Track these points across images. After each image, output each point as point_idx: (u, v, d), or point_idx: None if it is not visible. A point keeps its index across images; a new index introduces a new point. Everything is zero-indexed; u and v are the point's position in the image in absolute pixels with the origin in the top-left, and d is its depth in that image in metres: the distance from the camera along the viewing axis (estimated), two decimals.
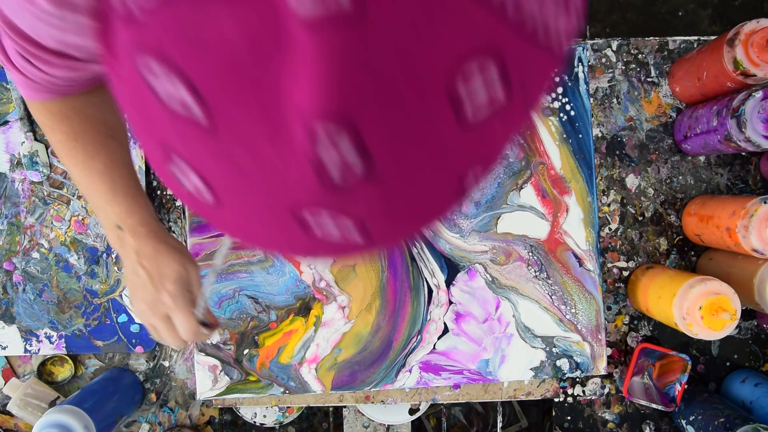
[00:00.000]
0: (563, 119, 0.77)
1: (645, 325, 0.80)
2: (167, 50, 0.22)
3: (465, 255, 0.76)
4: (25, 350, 0.78)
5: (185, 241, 0.79)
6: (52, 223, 0.78)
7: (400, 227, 0.26)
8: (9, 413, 0.78)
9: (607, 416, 0.80)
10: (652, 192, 0.80)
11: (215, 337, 0.78)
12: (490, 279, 0.76)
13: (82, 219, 0.78)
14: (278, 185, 0.23)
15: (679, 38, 0.80)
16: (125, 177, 0.54)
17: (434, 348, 0.76)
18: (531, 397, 0.79)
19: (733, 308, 0.65)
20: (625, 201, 0.80)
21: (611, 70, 0.80)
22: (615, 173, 0.80)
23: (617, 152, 0.80)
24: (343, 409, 0.86)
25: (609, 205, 0.80)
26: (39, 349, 0.78)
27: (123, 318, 0.78)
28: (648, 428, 0.79)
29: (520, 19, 0.22)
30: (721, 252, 0.76)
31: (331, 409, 0.91)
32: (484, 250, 0.77)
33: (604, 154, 0.80)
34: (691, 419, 0.73)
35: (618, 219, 0.80)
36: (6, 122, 0.79)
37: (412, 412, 0.83)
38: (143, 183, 0.77)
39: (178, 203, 0.79)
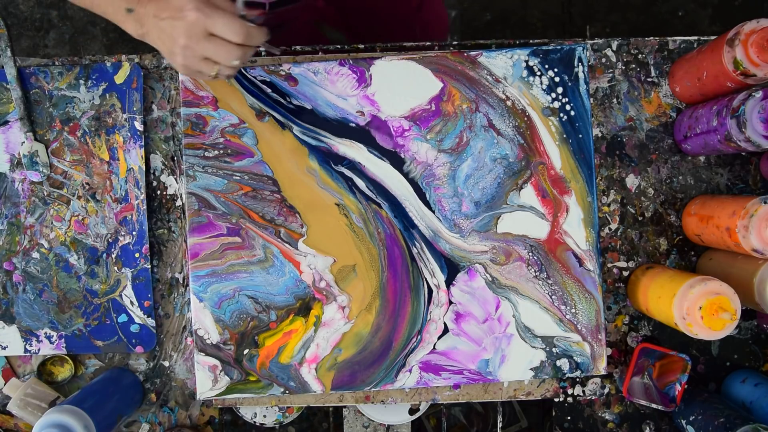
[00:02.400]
0: (563, 119, 0.77)
1: (645, 325, 0.80)
2: None
3: (465, 255, 0.76)
4: (25, 350, 0.78)
5: (185, 242, 0.79)
6: (52, 223, 0.78)
7: None
8: (9, 413, 0.78)
9: (607, 416, 0.80)
10: (652, 192, 0.80)
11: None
12: (490, 279, 0.76)
13: (82, 219, 0.78)
14: None
15: (679, 38, 0.80)
16: None
17: (434, 348, 0.76)
18: (531, 397, 0.79)
19: (733, 308, 0.65)
20: (625, 201, 0.80)
21: (611, 70, 0.80)
22: (615, 173, 0.80)
23: (617, 152, 0.80)
24: (343, 409, 0.86)
25: (609, 205, 0.80)
26: (39, 349, 0.78)
27: (123, 318, 0.78)
28: (648, 428, 0.79)
29: None
30: (721, 252, 0.76)
31: (331, 409, 0.91)
32: (484, 250, 0.77)
33: (604, 154, 0.80)
34: (691, 419, 0.73)
35: (618, 219, 0.80)
36: (6, 122, 0.79)
37: (412, 412, 0.83)
38: (143, 183, 0.78)
39: (178, 203, 0.80)
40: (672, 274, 0.71)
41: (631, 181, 0.80)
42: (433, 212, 0.77)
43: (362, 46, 0.80)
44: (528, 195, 0.77)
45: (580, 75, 0.77)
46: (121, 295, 0.78)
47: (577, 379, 0.80)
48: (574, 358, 0.76)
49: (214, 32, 0.56)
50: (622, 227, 0.80)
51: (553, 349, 0.76)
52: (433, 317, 0.76)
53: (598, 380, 0.80)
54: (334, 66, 0.77)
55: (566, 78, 0.77)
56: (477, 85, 0.77)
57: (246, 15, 0.58)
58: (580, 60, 0.77)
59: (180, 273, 0.79)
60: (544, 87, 0.77)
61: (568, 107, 0.77)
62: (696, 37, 0.80)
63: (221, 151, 0.76)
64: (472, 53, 0.77)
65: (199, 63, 0.58)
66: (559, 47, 0.77)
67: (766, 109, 0.64)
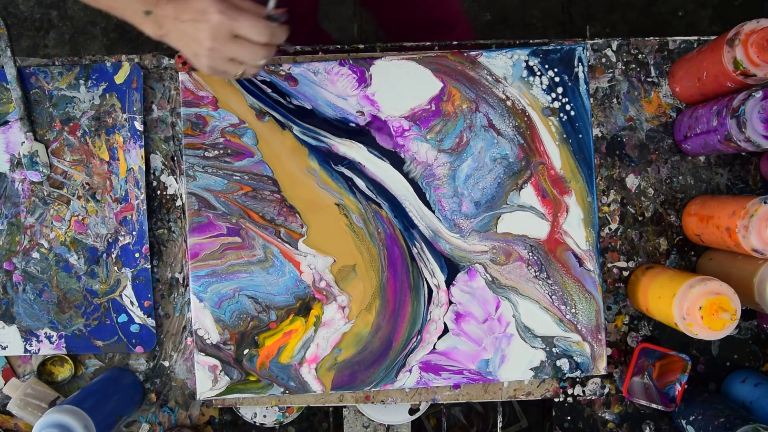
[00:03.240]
0: (563, 119, 0.77)
1: (645, 325, 0.80)
2: None
3: (465, 255, 0.76)
4: (25, 350, 0.78)
5: (185, 242, 0.79)
6: (52, 223, 0.78)
7: None
8: (9, 413, 0.78)
9: (607, 416, 0.80)
10: (652, 192, 0.80)
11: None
12: (490, 279, 0.76)
13: (82, 219, 0.78)
14: None
15: (679, 38, 0.80)
16: None
17: (434, 348, 0.76)
18: (531, 397, 0.79)
19: (733, 308, 0.65)
20: (625, 201, 0.80)
21: (611, 70, 0.80)
22: (615, 173, 0.80)
23: (617, 152, 0.80)
24: (343, 409, 0.86)
25: (609, 205, 0.80)
26: (39, 349, 0.78)
27: (123, 318, 0.78)
28: (648, 428, 0.79)
29: None
30: (721, 252, 0.76)
31: (331, 409, 0.91)
32: (484, 250, 0.77)
33: (604, 154, 0.80)
34: (691, 419, 0.73)
35: (618, 219, 0.80)
36: (6, 122, 0.79)
37: (412, 412, 0.83)
38: (143, 183, 0.78)
39: (178, 203, 0.80)
40: (672, 274, 0.71)
41: (631, 181, 0.80)
42: (433, 212, 0.77)
43: (362, 46, 0.80)
44: (528, 195, 0.77)
45: (580, 75, 0.77)
46: (121, 295, 0.78)
47: (577, 379, 0.80)
48: (574, 358, 0.76)
49: (240, 34, 0.56)
50: (622, 227, 0.80)
51: (553, 349, 0.76)
52: (433, 317, 0.76)
53: (598, 380, 0.80)
54: (334, 66, 0.77)
55: (566, 78, 0.77)
56: (477, 85, 0.77)
57: (272, 15, 0.59)
58: (580, 60, 0.77)
59: (180, 273, 0.79)
60: (544, 87, 0.77)
61: (568, 107, 0.77)
62: (696, 37, 0.80)
63: (221, 151, 0.76)
64: (472, 53, 0.77)
65: (225, 64, 0.59)
66: (559, 47, 0.77)
67: (766, 109, 0.64)
